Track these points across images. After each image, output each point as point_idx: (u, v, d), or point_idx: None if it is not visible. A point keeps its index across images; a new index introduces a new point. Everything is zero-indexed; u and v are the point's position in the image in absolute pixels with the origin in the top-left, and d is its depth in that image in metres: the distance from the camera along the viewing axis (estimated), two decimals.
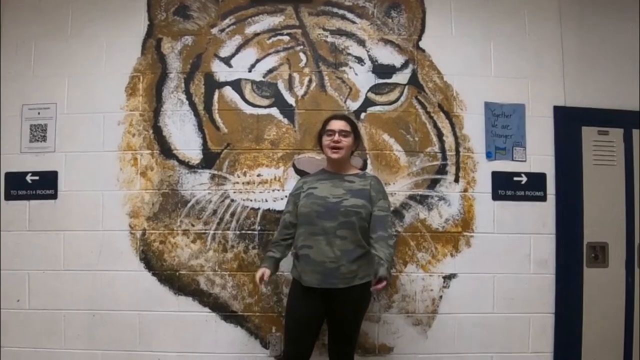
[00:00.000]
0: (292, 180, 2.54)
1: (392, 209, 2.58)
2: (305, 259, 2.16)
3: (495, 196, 2.64)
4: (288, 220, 2.27)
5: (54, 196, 2.64)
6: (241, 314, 2.60)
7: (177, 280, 2.61)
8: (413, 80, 2.65)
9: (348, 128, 2.26)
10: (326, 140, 2.25)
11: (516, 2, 2.73)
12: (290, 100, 2.63)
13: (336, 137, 2.22)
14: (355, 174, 2.30)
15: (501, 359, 2.61)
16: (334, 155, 2.22)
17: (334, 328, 2.24)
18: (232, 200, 2.60)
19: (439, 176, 2.64)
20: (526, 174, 2.65)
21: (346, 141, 2.23)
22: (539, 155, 2.67)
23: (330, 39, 2.65)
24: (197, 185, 2.62)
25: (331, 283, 2.12)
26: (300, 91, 2.63)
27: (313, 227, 2.15)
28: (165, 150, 2.63)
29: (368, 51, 2.66)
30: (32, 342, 2.62)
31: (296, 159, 2.59)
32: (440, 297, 2.62)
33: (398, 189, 2.63)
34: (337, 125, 2.25)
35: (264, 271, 2.19)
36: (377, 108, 2.64)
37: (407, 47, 2.67)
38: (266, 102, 2.63)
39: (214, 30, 2.66)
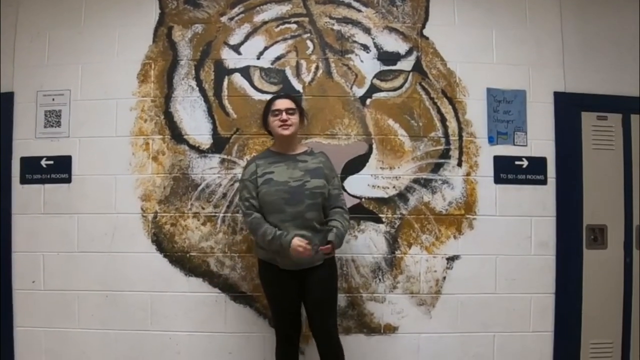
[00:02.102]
0: None
1: (397, 192, 2.68)
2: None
3: (497, 180, 2.71)
4: (256, 205, 2.24)
5: (68, 180, 2.70)
6: (250, 295, 2.66)
7: (187, 262, 2.67)
8: (417, 67, 2.72)
9: (293, 106, 2.30)
10: (273, 120, 2.29)
11: None
12: (298, 87, 2.69)
13: (283, 115, 2.26)
14: (304, 151, 2.35)
15: (503, 338, 2.68)
16: (285, 132, 2.25)
17: (311, 305, 2.28)
18: None
19: (442, 160, 2.71)
20: (527, 158, 2.72)
21: (294, 118, 2.28)
22: (539, 140, 2.73)
23: (336, 27, 2.72)
24: (207, 169, 2.68)
25: (308, 263, 2.20)
26: (307, 78, 2.70)
27: (281, 214, 2.19)
28: (176, 135, 2.70)
29: (373, 39, 2.72)
30: (46, 322, 2.68)
31: (303, 143, 2.66)
32: (444, 278, 2.68)
33: (402, 172, 2.69)
34: (282, 104, 2.29)
35: (297, 241, 2.13)
36: (382, 94, 2.70)
37: (411, 34, 2.73)
38: (274, 88, 2.69)
39: (224, 19, 2.73)
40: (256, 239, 2.33)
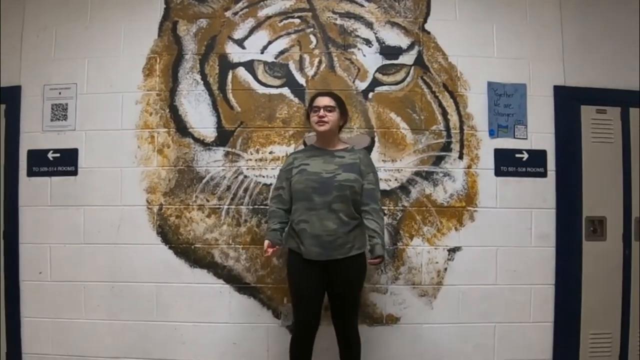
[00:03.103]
0: None
1: (399, 184, 2.71)
2: (303, 233, 2.25)
3: (498, 172, 2.74)
4: (284, 196, 2.36)
5: (74, 173, 2.74)
6: (254, 286, 2.70)
7: (192, 254, 2.71)
8: (419, 61, 2.75)
9: (333, 103, 2.35)
10: (313, 116, 2.35)
11: None
12: (301, 81, 2.73)
13: (321, 112, 2.31)
14: (344, 148, 2.39)
15: (503, 328, 2.71)
16: (321, 128, 2.32)
17: (336, 299, 2.33)
18: (245, 177, 2.71)
19: (443, 153, 2.74)
20: (527, 151, 2.75)
21: (331, 116, 2.32)
22: (539, 133, 2.76)
23: (339, 21, 2.75)
24: (212, 162, 2.72)
25: (329, 255, 2.23)
26: (310, 72, 2.73)
27: (309, 202, 2.25)
28: (181, 128, 2.74)
29: (375, 33, 2.76)
30: (53, 313, 2.73)
31: (306, 136, 2.69)
32: (445, 269, 2.72)
33: (404, 165, 2.73)
34: (322, 101, 2.34)
35: (268, 243, 2.31)
36: (384, 88, 2.74)
37: (413, 29, 2.77)
38: (278, 82, 2.73)
39: (228, 13, 2.76)
40: None
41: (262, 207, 2.70)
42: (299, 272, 2.31)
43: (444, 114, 2.75)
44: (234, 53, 2.75)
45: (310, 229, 2.24)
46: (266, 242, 2.33)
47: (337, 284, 2.29)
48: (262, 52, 2.74)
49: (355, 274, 2.33)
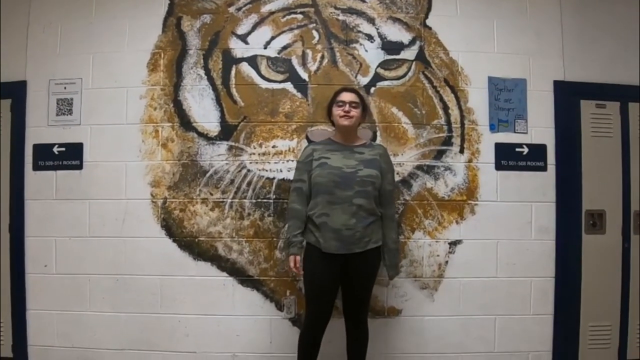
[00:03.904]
0: None
1: (400, 178, 2.74)
2: (324, 227, 2.28)
3: (498, 166, 2.77)
4: (304, 189, 2.37)
5: (79, 166, 2.77)
6: (257, 278, 2.73)
7: (196, 247, 2.74)
8: (420, 57, 2.78)
9: (357, 100, 2.39)
10: (337, 110, 2.37)
11: None
12: (304, 76, 2.76)
13: (347, 107, 2.34)
14: (363, 144, 2.43)
15: (504, 320, 2.74)
16: (345, 122, 2.34)
17: (350, 292, 2.36)
18: (249, 171, 2.73)
19: (444, 147, 2.77)
20: (527, 145, 2.78)
21: (355, 112, 2.36)
22: (539, 127, 2.79)
23: (341, 17, 2.78)
24: (216, 156, 2.74)
25: (348, 249, 2.26)
26: (313, 67, 2.76)
27: (331, 196, 2.27)
28: (185, 123, 2.76)
29: (377, 29, 2.79)
30: (58, 305, 2.76)
31: (309, 131, 2.72)
32: (446, 262, 2.75)
33: (406, 159, 2.76)
34: (347, 97, 2.37)
35: (296, 258, 2.32)
36: (386, 83, 2.77)
37: (414, 25, 2.80)
38: (281, 77, 2.76)
39: (231, 9, 2.79)
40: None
41: (265, 200, 2.73)
42: (316, 266, 2.32)
43: (445, 108, 2.78)
44: (238, 48, 2.78)
45: (330, 222, 2.26)
46: (293, 258, 2.32)
47: (354, 277, 2.32)
48: (265, 48, 2.77)
49: (372, 268, 2.37)
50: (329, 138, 2.48)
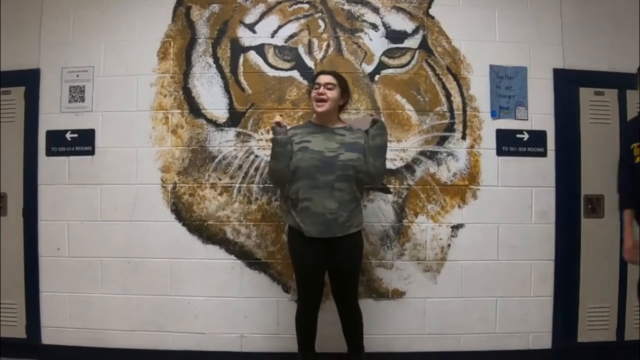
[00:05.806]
0: None
1: (404, 164, 2.81)
2: (306, 211, 2.29)
3: (499, 152, 2.84)
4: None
5: (91, 152, 2.84)
6: (264, 261, 2.80)
7: (205, 230, 2.81)
8: (423, 45, 2.85)
9: (334, 81, 2.37)
10: (313, 92, 2.39)
11: None
12: (310, 64, 2.83)
13: (321, 89, 2.34)
14: (344, 127, 2.43)
15: (505, 302, 2.81)
16: (319, 109, 2.35)
17: (337, 277, 2.39)
18: (256, 156, 2.80)
19: (447, 134, 2.84)
20: (528, 131, 2.84)
21: (331, 94, 2.35)
22: (539, 114, 2.86)
23: (346, 6, 2.85)
24: (224, 142, 2.81)
25: (331, 233, 2.28)
26: (319, 55, 2.83)
27: (312, 180, 2.27)
28: (194, 109, 2.83)
29: (382, 18, 2.85)
30: (70, 288, 2.83)
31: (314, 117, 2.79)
32: (449, 245, 2.82)
33: (409, 145, 2.83)
34: (323, 79, 2.38)
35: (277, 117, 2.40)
36: (390, 71, 2.83)
37: (417, 14, 2.87)
38: (287, 65, 2.83)
39: None
40: (271, 169, 2.43)
41: (272, 185, 2.79)
42: (300, 250, 2.35)
43: (448, 95, 2.85)
44: (245, 37, 2.84)
45: (313, 207, 2.27)
46: (275, 120, 2.39)
47: (339, 261, 2.34)
48: (272, 36, 2.84)
49: (355, 251, 2.40)
50: (309, 121, 2.50)
